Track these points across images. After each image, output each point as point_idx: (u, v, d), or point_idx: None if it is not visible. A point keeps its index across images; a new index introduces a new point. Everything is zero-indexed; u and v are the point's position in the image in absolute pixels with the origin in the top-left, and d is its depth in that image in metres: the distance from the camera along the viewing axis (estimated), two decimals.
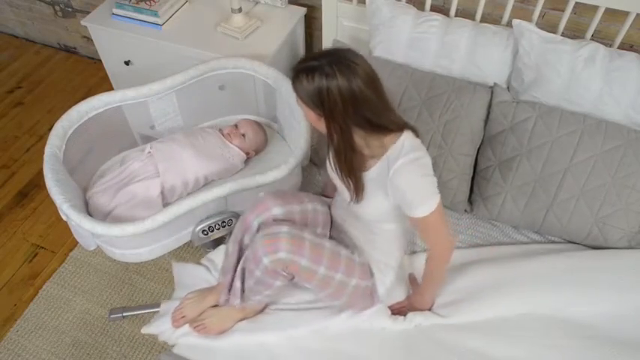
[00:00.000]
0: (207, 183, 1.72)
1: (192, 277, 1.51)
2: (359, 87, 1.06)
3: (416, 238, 1.59)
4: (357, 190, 1.21)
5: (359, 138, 1.17)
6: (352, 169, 1.19)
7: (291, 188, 1.67)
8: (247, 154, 1.78)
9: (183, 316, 1.39)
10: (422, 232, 1.26)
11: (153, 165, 1.63)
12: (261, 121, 1.94)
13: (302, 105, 1.14)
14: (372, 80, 1.10)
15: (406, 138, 1.18)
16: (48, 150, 1.51)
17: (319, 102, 1.08)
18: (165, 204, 1.63)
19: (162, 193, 1.62)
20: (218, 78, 1.81)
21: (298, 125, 1.63)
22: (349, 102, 1.07)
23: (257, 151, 1.83)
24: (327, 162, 1.31)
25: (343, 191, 1.29)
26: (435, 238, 1.24)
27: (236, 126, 1.79)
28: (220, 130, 1.79)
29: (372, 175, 1.21)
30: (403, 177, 1.15)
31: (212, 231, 1.58)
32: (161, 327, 1.42)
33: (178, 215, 1.42)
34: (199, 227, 1.55)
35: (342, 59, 1.06)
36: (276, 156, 1.85)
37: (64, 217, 1.48)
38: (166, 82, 1.71)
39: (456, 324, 1.37)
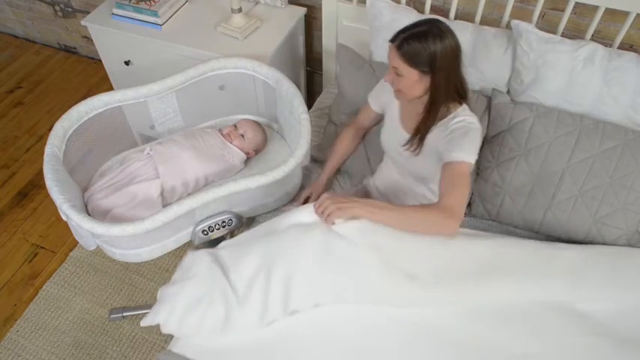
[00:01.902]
0: (208, 183, 1.72)
1: (200, 263, 1.39)
2: (458, 45, 1.30)
3: None
4: (421, 141, 1.41)
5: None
6: (434, 120, 1.38)
7: (291, 189, 1.67)
8: (247, 154, 1.79)
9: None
10: (445, 181, 1.31)
11: (153, 166, 1.63)
12: (261, 121, 1.94)
13: (405, 68, 1.30)
14: (458, 42, 1.32)
15: (469, 111, 1.38)
16: (48, 150, 1.51)
17: (431, 60, 1.27)
18: (166, 205, 1.63)
19: (162, 194, 1.62)
20: (218, 78, 1.81)
21: (298, 125, 1.63)
22: (456, 57, 1.31)
23: (257, 151, 1.83)
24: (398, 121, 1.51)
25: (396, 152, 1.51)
26: (452, 191, 1.29)
27: (235, 126, 1.80)
28: (220, 131, 1.80)
29: (430, 137, 1.39)
30: (461, 129, 1.33)
31: (212, 231, 1.59)
32: (157, 317, 1.31)
33: (178, 215, 1.42)
34: (199, 227, 1.55)
35: (441, 24, 1.29)
36: (276, 156, 1.85)
37: (64, 217, 1.48)
38: (166, 82, 1.71)
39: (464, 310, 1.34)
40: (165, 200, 1.64)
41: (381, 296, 1.30)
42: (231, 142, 1.76)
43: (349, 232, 1.32)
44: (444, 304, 1.34)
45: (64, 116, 1.58)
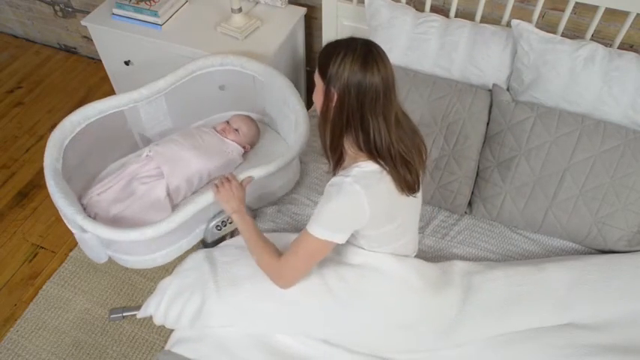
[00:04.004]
0: (211, 180, 1.73)
1: (193, 258, 1.46)
2: (370, 78, 1.07)
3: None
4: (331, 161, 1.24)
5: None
6: (339, 144, 1.18)
7: (292, 176, 1.69)
8: (244, 147, 1.80)
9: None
10: (294, 241, 1.24)
11: (155, 168, 1.63)
12: (252, 115, 1.94)
13: (317, 72, 1.14)
14: (388, 83, 1.10)
15: (373, 170, 1.15)
16: (47, 162, 1.46)
17: (326, 73, 1.10)
18: (173, 205, 1.63)
19: (168, 194, 1.61)
20: (207, 76, 1.81)
21: (294, 114, 1.65)
22: (355, 82, 1.07)
23: (252, 145, 1.85)
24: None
25: None
26: (289, 255, 1.24)
27: (228, 122, 1.81)
28: (213, 128, 1.81)
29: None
30: (329, 193, 1.15)
31: (225, 225, 1.58)
32: (148, 308, 1.39)
33: (197, 211, 1.41)
34: (212, 223, 1.54)
35: (373, 47, 1.09)
36: (270, 148, 1.87)
37: (74, 230, 1.44)
38: (157, 84, 1.69)
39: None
40: (172, 200, 1.64)
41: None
42: (226, 138, 1.77)
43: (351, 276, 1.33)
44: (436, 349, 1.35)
45: (58, 128, 1.54)
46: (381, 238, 1.30)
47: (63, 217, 1.48)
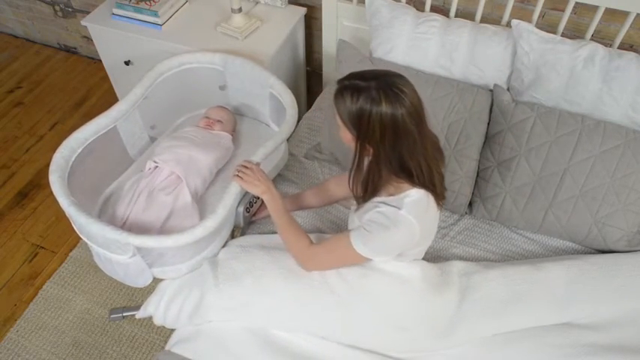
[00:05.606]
0: (218, 172, 1.73)
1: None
2: (402, 117, 1.05)
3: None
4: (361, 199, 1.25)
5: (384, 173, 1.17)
6: (375, 195, 1.20)
7: (283, 152, 1.72)
8: (231, 135, 1.82)
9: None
10: (332, 238, 1.30)
11: (168, 175, 1.61)
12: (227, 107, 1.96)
13: (339, 122, 1.14)
14: (417, 113, 1.08)
15: (421, 196, 1.16)
16: (62, 200, 1.36)
17: (358, 124, 1.08)
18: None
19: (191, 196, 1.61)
20: (172, 78, 1.81)
21: (276, 92, 1.69)
22: (389, 132, 1.07)
23: (234, 130, 1.86)
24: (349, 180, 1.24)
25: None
26: (324, 249, 1.29)
27: (207, 117, 1.81)
28: (196, 126, 1.82)
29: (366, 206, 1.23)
30: (384, 223, 1.15)
31: (252, 206, 1.57)
32: (148, 308, 1.40)
33: (235, 197, 1.41)
34: (241, 208, 1.52)
35: (390, 85, 1.05)
36: (249, 132, 1.90)
37: (121, 258, 1.36)
38: (129, 98, 1.66)
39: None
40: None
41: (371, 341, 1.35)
42: (214, 130, 1.78)
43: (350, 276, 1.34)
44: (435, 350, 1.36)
45: (53, 164, 1.45)
46: (407, 254, 1.32)
47: (101, 251, 1.39)
